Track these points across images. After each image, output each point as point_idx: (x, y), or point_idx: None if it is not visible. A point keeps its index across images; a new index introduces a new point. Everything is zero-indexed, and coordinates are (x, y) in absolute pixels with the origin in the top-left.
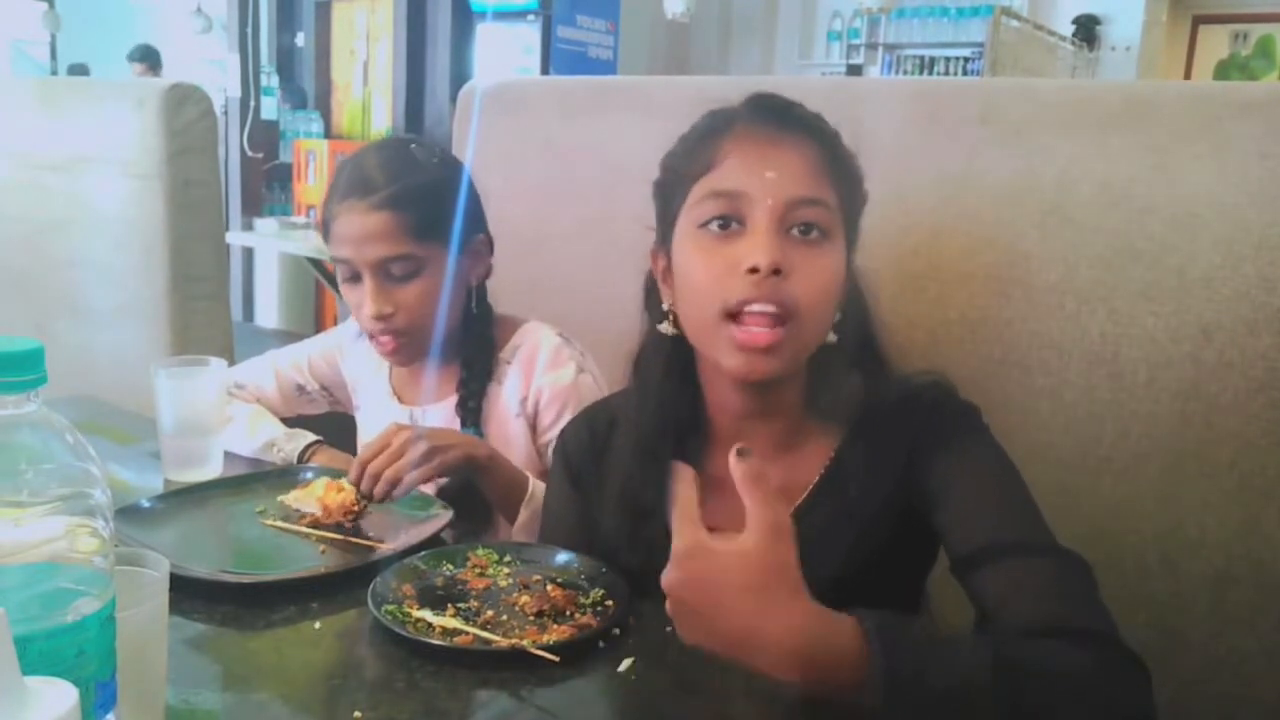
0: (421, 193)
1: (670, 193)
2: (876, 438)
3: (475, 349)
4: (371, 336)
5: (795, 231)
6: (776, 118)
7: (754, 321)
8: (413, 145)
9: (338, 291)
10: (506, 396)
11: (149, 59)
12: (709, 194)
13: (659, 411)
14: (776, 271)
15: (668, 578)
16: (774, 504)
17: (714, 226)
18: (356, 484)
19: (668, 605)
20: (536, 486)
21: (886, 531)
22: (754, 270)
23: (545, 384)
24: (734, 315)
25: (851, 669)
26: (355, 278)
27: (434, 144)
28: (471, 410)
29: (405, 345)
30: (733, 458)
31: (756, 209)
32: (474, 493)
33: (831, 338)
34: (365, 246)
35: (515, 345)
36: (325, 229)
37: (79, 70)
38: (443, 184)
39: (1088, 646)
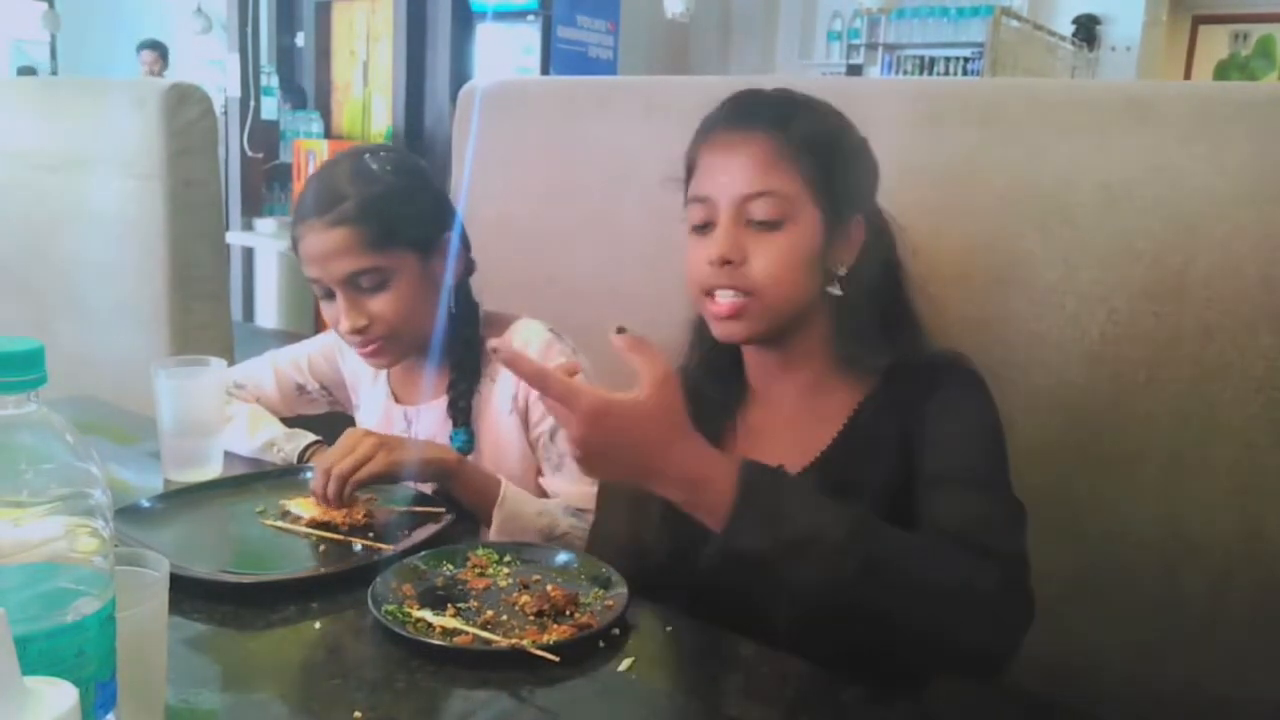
0: (378, 203)
1: (683, 190)
2: (895, 398)
3: (462, 348)
4: (350, 345)
5: (757, 219)
6: (738, 118)
7: (720, 295)
8: (366, 155)
9: None
10: (499, 394)
11: (159, 48)
12: (691, 199)
13: (704, 362)
14: (729, 261)
15: (576, 432)
16: (658, 360)
17: (695, 228)
18: (319, 491)
19: (574, 452)
20: (508, 490)
21: (901, 485)
22: (711, 262)
23: None
24: (710, 294)
25: (722, 499)
26: (329, 294)
27: (392, 152)
28: (461, 410)
29: (386, 350)
30: (613, 336)
31: (720, 208)
32: None
33: (836, 291)
34: (329, 264)
35: (507, 342)
36: (294, 250)
37: (26, 72)
38: (399, 191)
39: (984, 560)
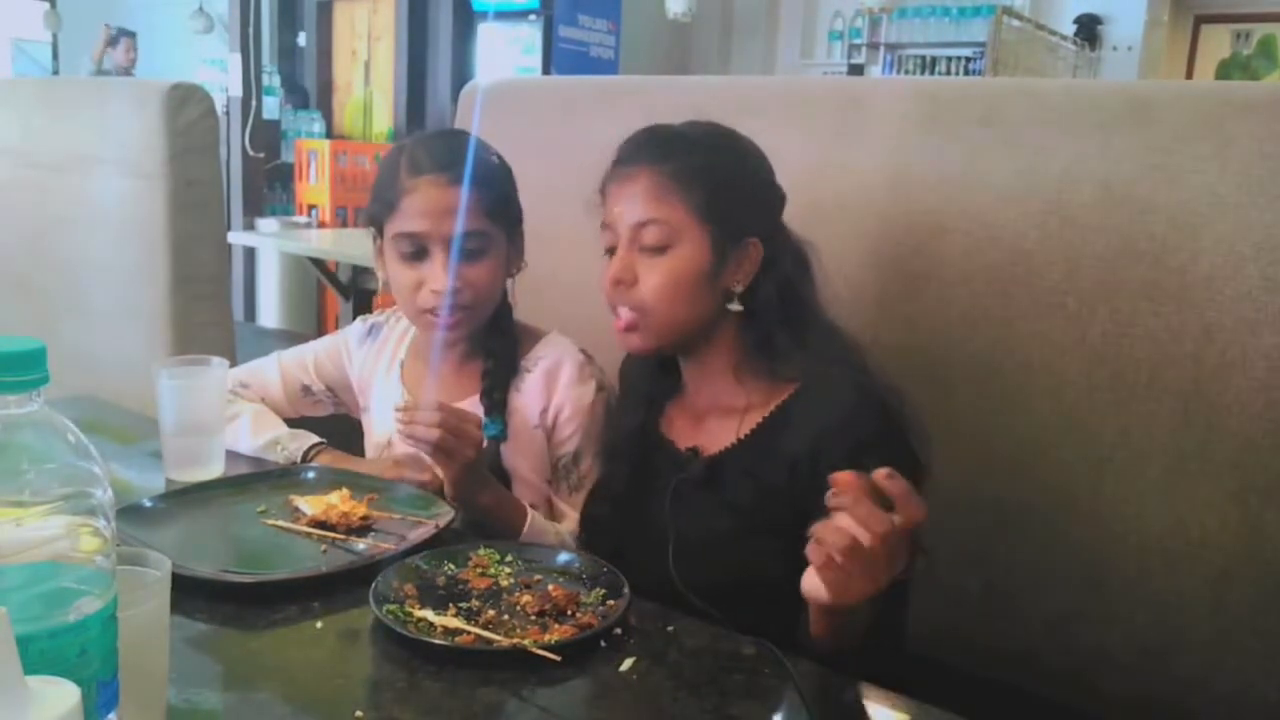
0: (491, 175)
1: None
2: (806, 421)
3: (500, 342)
4: (426, 313)
5: (647, 244)
6: (630, 155)
7: (621, 311)
8: (470, 136)
9: (340, 291)
10: (527, 406)
11: (127, 34)
12: (602, 225)
13: (636, 363)
14: (621, 282)
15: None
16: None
17: (606, 251)
18: (409, 420)
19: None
20: (534, 521)
21: (792, 496)
22: (609, 282)
23: (568, 399)
24: (615, 310)
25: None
26: (419, 254)
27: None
28: (497, 401)
29: (463, 321)
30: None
31: (619, 235)
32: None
33: (735, 307)
34: (446, 220)
35: (538, 356)
36: (388, 206)
37: None
38: (502, 170)
39: None
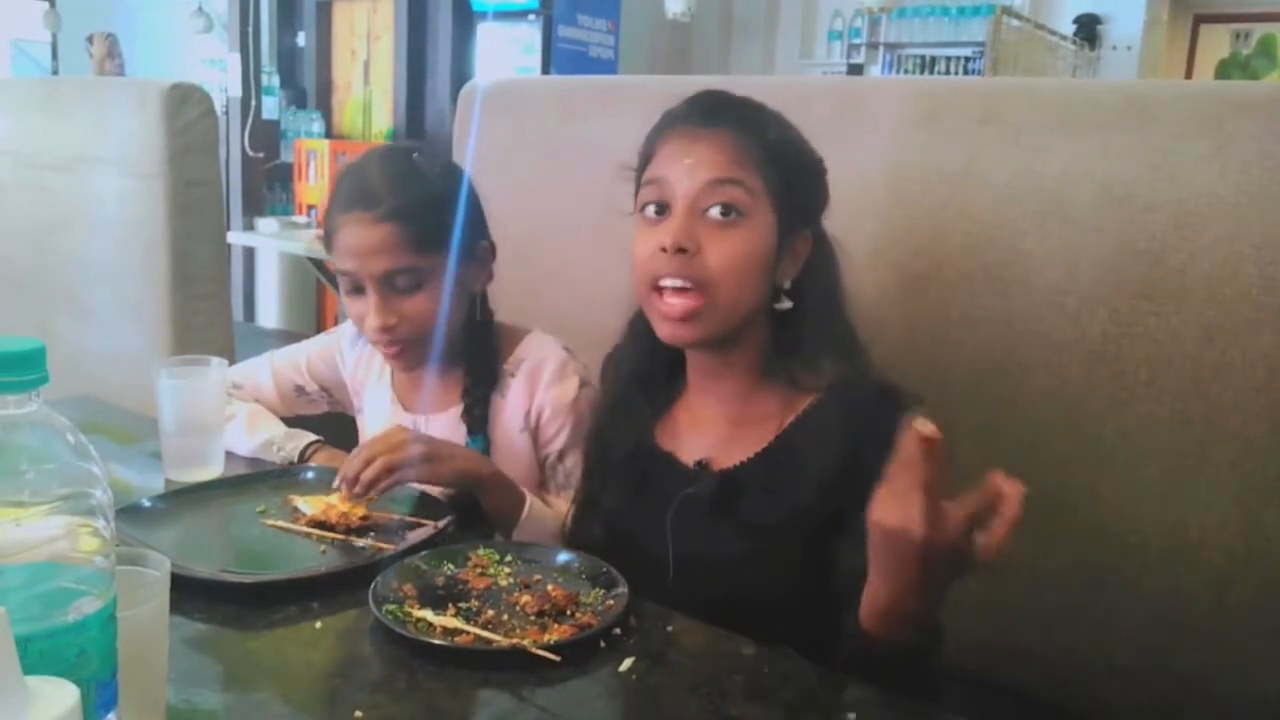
0: (425, 205)
1: (635, 181)
2: (831, 431)
3: (479, 356)
4: (375, 344)
5: (715, 212)
6: (704, 113)
7: (670, 294)
8: (415, 155)
9: (339, 291)
10: (510, 410)
11: (109, 37)
12: (646, 181)
13: (642, 361)
14: (683, 250)
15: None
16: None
17: (650, 211)
18: (353, 475)
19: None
20: (533, 505)
21: (818, 513)
22: (664, 249)
23: (549, 399)
24: (658, 289)
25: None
26: (358, 289)
27: (436, 152)
28: (478, 418)
29: (409, 351)
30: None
31: (677, 194)
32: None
33: (786, 304)
34: (370, 260)
35: (520, 359)
36: (328, 239)
37: None
38: (445, 194)
39: None
